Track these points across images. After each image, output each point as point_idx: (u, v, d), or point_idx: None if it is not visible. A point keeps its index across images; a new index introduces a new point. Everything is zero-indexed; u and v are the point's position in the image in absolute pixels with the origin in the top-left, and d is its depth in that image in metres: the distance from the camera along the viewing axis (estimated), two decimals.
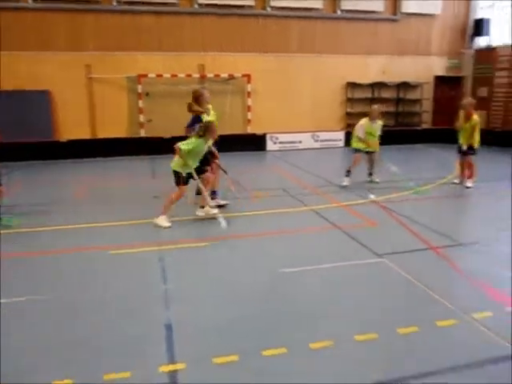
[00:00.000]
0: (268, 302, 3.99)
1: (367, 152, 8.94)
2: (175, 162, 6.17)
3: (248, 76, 14.05)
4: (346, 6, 14.68)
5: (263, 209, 7.09)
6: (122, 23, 13.40)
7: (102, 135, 13.55)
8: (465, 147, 8.61)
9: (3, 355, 3.13)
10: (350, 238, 5.63)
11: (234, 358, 3.11)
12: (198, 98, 6.80)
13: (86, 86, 13.41)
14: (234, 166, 8.53)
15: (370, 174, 9.19)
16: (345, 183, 8.65)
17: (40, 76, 12.96)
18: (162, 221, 6.15)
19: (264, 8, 14.16)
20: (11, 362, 3.07)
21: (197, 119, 6.66)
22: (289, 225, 6.34)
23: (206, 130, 6.15)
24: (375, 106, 9.18)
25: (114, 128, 13.54)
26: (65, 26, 13.08)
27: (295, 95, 14.67)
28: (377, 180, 9.07)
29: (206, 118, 6.69)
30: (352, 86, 15.28)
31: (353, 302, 3.96)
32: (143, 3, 13.31)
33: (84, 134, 13.44)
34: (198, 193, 6.76)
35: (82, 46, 13.32)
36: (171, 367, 3.01)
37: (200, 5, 13.64)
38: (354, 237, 5.66)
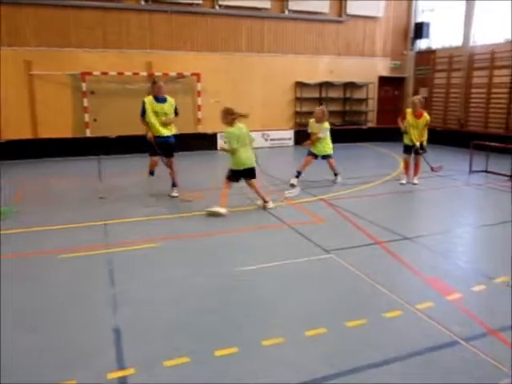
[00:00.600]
0: (220, 301, 3.97)
1: (322, 156, 8.93)
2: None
3: (198, 75, 13.93)
4: (292, 6, 14.89)
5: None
6: (64, 18, 12.88)
7: (45, 135, 12.96)
8: (417, 145, 8.68)
9: None
10: (299, 235, 5.71)
11: (186, 359, 3.07)
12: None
13: (26, 83, 12.79)
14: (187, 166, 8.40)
15: (335, 175, 9.11)
16: (292, 182, 8.72)
17: None
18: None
19: (213, 6, 14.10)
20: None
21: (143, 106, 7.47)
22: (239, 223, 6.35)
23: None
24: (318, 108, 9.07)
25: (58, 128, 13.00)
26: (2, 19, 12.40)
27: (245, 94, 14.69)
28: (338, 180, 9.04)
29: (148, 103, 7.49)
30: (300, 85, 15.52)
31: (302, 298, 4.01)
32: None
33: (25, 133, 12.82)
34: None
35: (22, 42, 12.68)
36: (120, 373, 2.92)
37: (147, 1, 13.37)
38: (303, 233, 5.75)
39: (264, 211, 6.92)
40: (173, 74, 13.68)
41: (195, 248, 5.38)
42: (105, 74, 12.99)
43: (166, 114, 7.50)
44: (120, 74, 13.08)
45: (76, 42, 13.05)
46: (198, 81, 13.97)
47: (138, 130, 12.99)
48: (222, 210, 6.62)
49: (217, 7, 14.10)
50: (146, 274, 4.58)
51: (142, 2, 13.33)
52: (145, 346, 3.27)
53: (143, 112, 7.45)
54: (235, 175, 6.91)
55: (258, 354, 3.15)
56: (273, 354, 3.14)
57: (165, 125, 7.52)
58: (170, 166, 7.79)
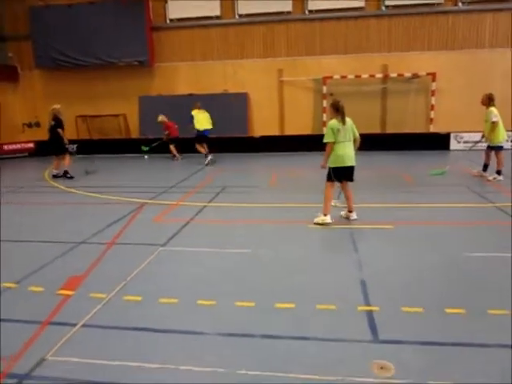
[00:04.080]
0: (445, 273, 4.46)
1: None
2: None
3: (433, 74, 13.93)
4: None
5: (439, 201, 7.36)
6: (310, 30, 14.67)
7: (288, 132, 15.07)
8: None
9: None
10: None
11: (419, 309, 3.73)
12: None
13: (277, 88, 15.07)
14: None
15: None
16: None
17: (241, 80, 15.07)
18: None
19: (456, 4, 13.84)
20: None
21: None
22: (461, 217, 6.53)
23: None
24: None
25: (300, 126, 14.89)
26: (261, 36, 14.93)
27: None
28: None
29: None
30: None
31: None
32: (331, 10, 14.31)
33: (273, 130, 15.14)
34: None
35: (276, 53, 15.00)
36: (367, 308, 3.79)
37: (387, 7, 14.05)
38: None
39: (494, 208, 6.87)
40: (407, 74, 14.02)
41: (424, 233, 5.89)
42: (344, 77, 14.26)
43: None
44: (357, 76, 14.14)
45: (320, 49, 14.71)
46: (433, 80, 13.95)
47: (368, 128, 14.05)
48: (327, 220, 6.25)
49: (460, 4, 13.78)
50: (382, 247, 5.36)
51: (383, 8, 14.07)
52: (385, 294, 4.05)
53: None
54: (336, 174, 6.26)
55: None
56: None
57: None
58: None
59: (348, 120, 6.24)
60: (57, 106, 10.88)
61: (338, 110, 6.16)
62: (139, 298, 4.12)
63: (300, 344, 3.33)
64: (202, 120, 12.43)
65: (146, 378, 2.98)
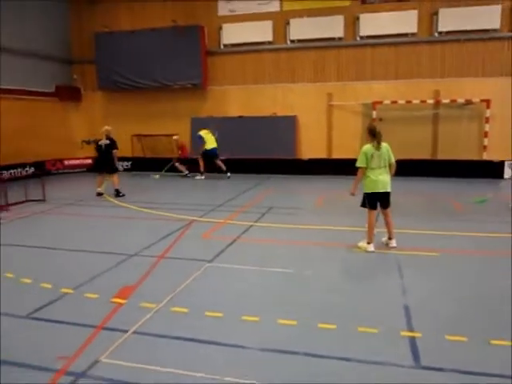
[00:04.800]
0: (490, 304, 4.36)
1: None
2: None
3: (487, 101, 13.61)
4: None
5: (488, 231, 7.16)
6: (360, 56, 14.78)
7: (336, 155, 15.10)
8: None
9: None
10: None
11: (463, 338, 3.68)
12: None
13: (325, 111, 15.21)
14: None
15: None
16: None
17: (290, 104, 15.35)
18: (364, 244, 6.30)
19: (511, 30, 13.56)
20: None
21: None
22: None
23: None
24: None
25: (347, 149, 14.89)
26: (311, 61, 15.21)
27: None
28: None
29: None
30: None
31: None
32: (382, 36, 14.40)
33: (321, 153, 15.23)
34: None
35: (325, 78, 15.20)
36: (410, 333, 3.79)
37: (440, 33, 13.96)
38: None
39: None
40: (460, 100, 13.79)
41: (469, 262, 5.76)
42: (394, 102, 14.19)
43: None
44: (408, 102, 14.04)
45: (370, 75, 14.76)
46: (488, 107, 13.62)
47: (418, 153, 13.87)
48: (370, 248, 6.14)
49: None
50: (426, 274, 5.30)
51: (436, 34, 14.00)
52: (429, 321, 4.02)
53: None
54: (370, 200, 6.16)
55: None
56: None
57: None
58: None
59: (384, 145, 6.11)
60: (109, 128, 11.24)
61: (374, 136, 6.07)
62: (186, 310, 4.31)
63: (341, 364, 3.38)
64: (210, 140, 13.94)
65: None
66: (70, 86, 17.28)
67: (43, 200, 10.34)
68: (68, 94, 17.07)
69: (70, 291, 4.86)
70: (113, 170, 11.10)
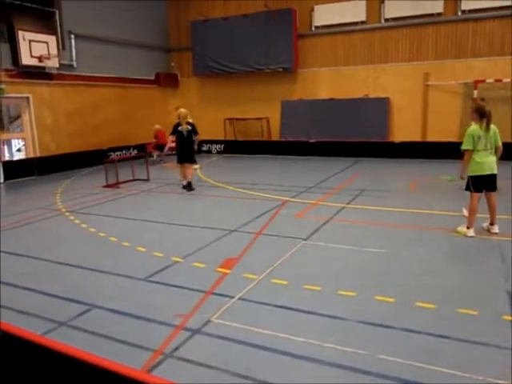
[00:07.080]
0: None
1: None
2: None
3: None
4: None
5: None
6: (461, 32, 13.92)
7: (431, 138, 14.49)
8: None
9: None
10: None
11: None
12: None
13: (422, 93, 14.60)
14: None
15: None
16: None
17: (382, 85, 14.95)
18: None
19: None
20: None
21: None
22: None
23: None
24: None
25: (444, 132, 14.21)
26: (407, 39, 14.62)
27: None
28: None
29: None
30: None
31: None
32: (486, 10, 13.41)
33: (415, 136, 14.69)
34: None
35: (422, 57, 14.55)
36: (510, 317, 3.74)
37: None
38: None
39: None
40: None
41: None
42: (498, 80, 13.23)
43: None
44: None
45: (471, 52, 13.87)
46: None
47: None
48: (470, 233, 5.95)
49: None
50: None
51: None
52: None
53: None
54: (474, 183, 5.87)
55: None
56: None
57: None
58: None
59: (492, 127, 5.80)
60: (185, 110, 10.01)
61: (483, 116, 5.75)
62: (286, 282, 4.60)
63: (439, 341, 3.44)
64: None
65: (293, 347, 3.41)
66: (169, 72, 18.34)
67: (147, 180, 11.26)
68: (166, 80, 18.15)
69: (180, 260, 5.38)
70: (194, 160, 10.12)
